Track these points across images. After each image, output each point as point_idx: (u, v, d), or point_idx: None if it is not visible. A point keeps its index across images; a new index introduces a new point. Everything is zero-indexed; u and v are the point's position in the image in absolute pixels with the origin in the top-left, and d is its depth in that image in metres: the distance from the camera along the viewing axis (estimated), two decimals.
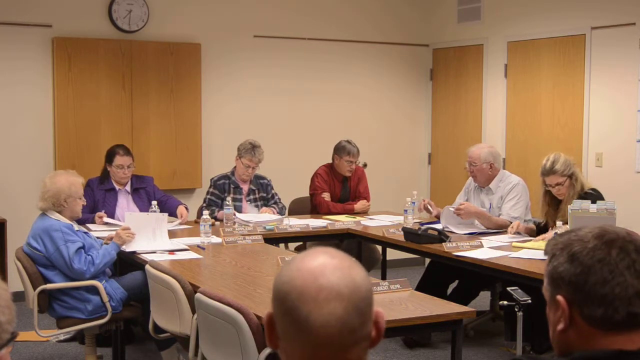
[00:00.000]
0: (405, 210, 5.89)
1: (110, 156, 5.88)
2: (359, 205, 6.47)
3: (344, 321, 1.34)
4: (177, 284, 3.83)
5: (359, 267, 1.40)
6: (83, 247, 4.51)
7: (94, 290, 4.51)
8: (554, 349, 1.55)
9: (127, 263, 4.90)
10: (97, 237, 4.91)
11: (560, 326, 1.50)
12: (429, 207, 5.80)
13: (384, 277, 6.18)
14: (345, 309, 1.35)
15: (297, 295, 1.35)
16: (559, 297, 1.49)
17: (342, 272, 1.37)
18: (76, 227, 4.62)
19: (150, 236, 4.91)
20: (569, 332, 1.49)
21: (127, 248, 4.77)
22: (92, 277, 4.50)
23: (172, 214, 5.82)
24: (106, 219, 5.63)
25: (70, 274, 4.48)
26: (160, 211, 5.31)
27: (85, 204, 4.80)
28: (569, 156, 5.03)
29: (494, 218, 5.50)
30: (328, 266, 1.37)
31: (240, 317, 3.13)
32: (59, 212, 4.57)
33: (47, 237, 4.47)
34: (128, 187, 5.94)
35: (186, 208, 5.93)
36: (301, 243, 6.32)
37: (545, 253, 1.56)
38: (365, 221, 6.09)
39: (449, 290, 5.65)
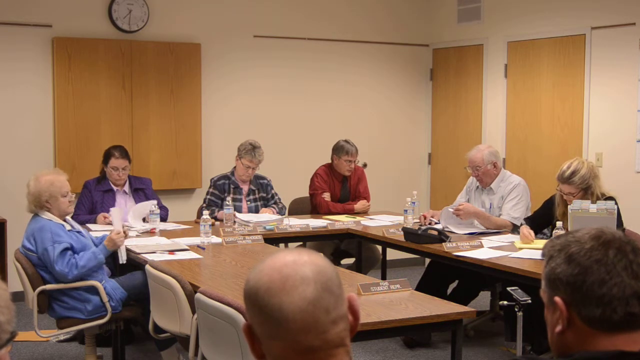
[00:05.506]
0: (405, 210, 5.89)
1: (106, 157, 5.89)
2: (359, 205, 6.47)
3: (316, 302, 1.38)
4: (177, 284, 3.83)
5: (321, 257, 1.44)
6: (71, 248, 4.45)
7: (93, 290, 4.50)
8: (552, 351, 1.55)
9: (127, 263, 4.89)
10: (97, 237, 4.91)
11: (559, 328, 1.50)
12: (432, 219, 5.76)
13: (384, 277, 6.17)
14: (314, 289, 1.38)
15: (265, 291, 1.39)
16: (557, 299, 1.49)
17: (304, 261, 1.42)
18: (68, 227, 4.58)
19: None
20: (567, 334, 1.49)
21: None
22: (76, 280, 4.44)
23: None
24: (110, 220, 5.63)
25: (55, 276, 4.46)
26: None
27: (72, 200, 4.65)
28: (592, 163, 4.90)
29: (493, 218, 5.50)
30: (289, 260, 1.41)
31: (240, 317, 3.13)
32: (49, 212, 4.55)
33: (38, 238, 4.45)
34: (127, 188, 5.95)
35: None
36: (301, 243, 6.31)
37: (543, 255, 1.57)
38: (365, 221, 6.09)
39: (449, 290, 5.65)
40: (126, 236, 4.71)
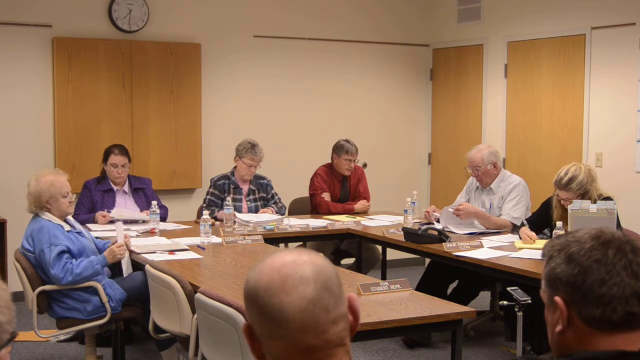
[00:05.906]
0: (405, 210, 5.89)
1: (105, 154, 5.90)
2: (359, 205, 6.47)
3: (316, 301, 1.37)
4: (177, 284, 3.84)
5: (321, 257, 1.44)
6: (68, 251, 4.43)
7: (93, 290, 4.50)
8: (552, 351, 1.55)
9: None
10: (97, 237, 4.91)
11: (559, 327, 1.50)
12: (434, 213, 5.76)
13: (384, 277, 6.17)
14: (314, 289, 1.38)
15: (265, 291, 1.39)
16: (557, 299, 1.50)
17: (303, 261, 1.41)
18: (67, 227, 4.57)
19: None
20: (568, 334, 1.50)
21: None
22: (69, 285, 4.42)
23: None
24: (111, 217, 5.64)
25: (50, 278, 4.44)
26: None
27: (72, 201, 4.64)
28: (589, 167, 4.88)
29: (493, 218, 5.50)
30: (288, 260, 1.41)
31: (240, 317, 3.13)
32: (49, 212, 4.54)
33: (36, 239, 4.44)
34: (126, 188, 5.95)
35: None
36: (301, 243, 6.31)
37: (543, 255, 1.57)
38: (365, 221, 6.09)
39: (449, 290, 5.65)
40: (129, 250, 4.69)
